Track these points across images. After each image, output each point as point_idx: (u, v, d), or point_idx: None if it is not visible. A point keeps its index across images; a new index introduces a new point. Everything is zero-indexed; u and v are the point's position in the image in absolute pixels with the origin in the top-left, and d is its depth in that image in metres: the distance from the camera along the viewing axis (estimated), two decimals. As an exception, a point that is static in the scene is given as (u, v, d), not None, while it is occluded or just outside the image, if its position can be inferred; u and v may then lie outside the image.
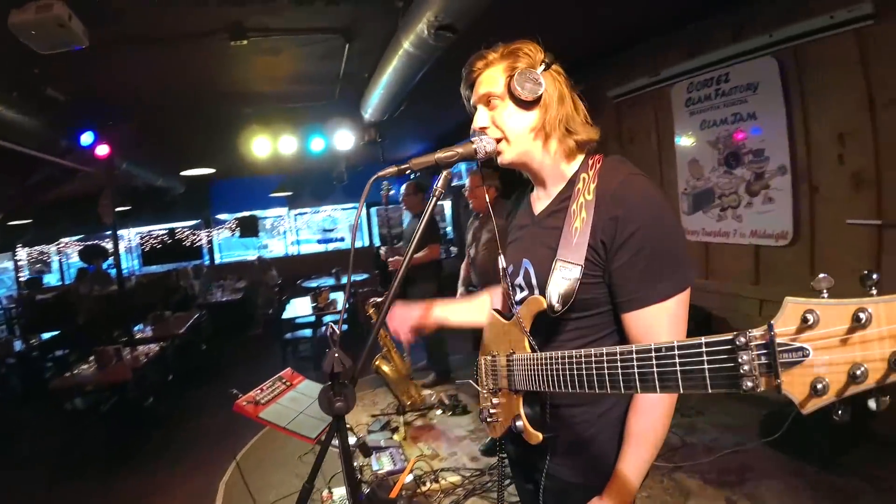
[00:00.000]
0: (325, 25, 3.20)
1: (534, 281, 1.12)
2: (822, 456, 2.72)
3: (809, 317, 0.56)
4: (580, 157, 1.11)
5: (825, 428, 2.66)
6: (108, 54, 3.13)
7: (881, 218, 2.85)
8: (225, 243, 10.74)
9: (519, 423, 1.07)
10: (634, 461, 1.02)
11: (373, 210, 11.54)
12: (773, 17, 3.25)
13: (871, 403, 0.54)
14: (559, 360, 0.94)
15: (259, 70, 3.98)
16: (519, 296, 1.18)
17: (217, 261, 10.49)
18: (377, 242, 11.49)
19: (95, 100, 4.11)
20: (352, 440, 1.89)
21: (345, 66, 4.00)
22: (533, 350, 1.06)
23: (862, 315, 0.52)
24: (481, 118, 1.11)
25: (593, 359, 0.86)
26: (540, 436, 1.03)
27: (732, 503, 2.54)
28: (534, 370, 1.02)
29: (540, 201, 1.18)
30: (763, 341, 0.61)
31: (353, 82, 4.37)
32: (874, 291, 0.53)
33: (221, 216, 10.41)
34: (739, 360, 0.63)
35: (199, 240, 10.24)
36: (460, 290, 4.02)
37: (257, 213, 10.46)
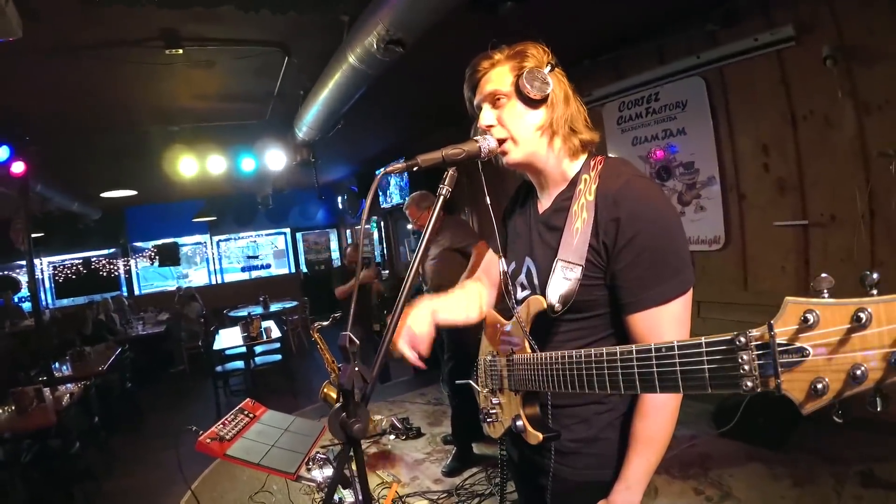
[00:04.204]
0: (265, 38, 3.08)
1: (535, 280, 1.12)
2: (771, 439, 2.90)
3: (809, 317, 0.57)
4: (582, 158, 1.12)
5: (770, 413, 2.86)
6: (30, 59, 2.85)
7: (806, 219, 3.11)
8: (143, 273, 10.13)
9: (519, 423, 1.07)
10: (640, 465, 1.02)
11: (299, 235, 11.35)
12: (700, 40, 3.48)
13: (878, 404, 0.55)
14: (559, 361, 0.94)
15: (190, 84, 3.77)
16: (520, 294, 1.17)
17: (136, 292, 9.87)
18: (304, 269, 11.28)
19: (11, 112, 3.73)
20: (328, 471, 1.75)
21: (281, 82, 3.88)
22: (533, 350, 1.05)
23: (862, 315, 0.52)
24: (487, 117, 1.09)
25: (594, 359, 0.86)
26: (540, 436, 1.03)
27: (700, 493, 2.65)
28: (534, 370, 1.02)
29: (542, 201, 1.17)
30: (763, 341, 0.61)
31: (287, 100, 4.24)
32: (874, 292, 0.53)
33: (139, 244, 9.84)
34: (739, 361, 0.63)
35: (117, 269, 9.57)
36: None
37: (177, 240, 10.00)
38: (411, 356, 1.13)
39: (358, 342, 0.87)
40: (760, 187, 3.34)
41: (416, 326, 1.15)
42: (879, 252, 2.76)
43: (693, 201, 3.75)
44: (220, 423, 1.74)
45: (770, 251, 3.32)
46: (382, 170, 0.97)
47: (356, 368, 0.85)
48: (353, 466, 0.94)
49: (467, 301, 1.29)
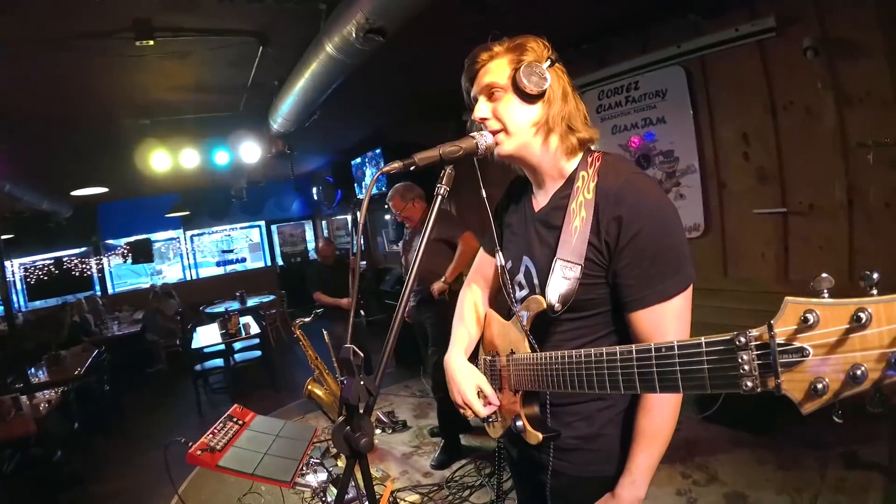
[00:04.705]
0: (240, 27, 2.99)
1: (535, 280, 1.11)
2: (756, 424, 2.96)
3: (809, 317, 0.57)
4: (580, 155, 1.10)
5: (754, 398, 2.88)
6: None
7: (785, 207, 3.15)
8: (116, 271, 9.89)
9: (519, 423, 1.07)
10: (645, 459, 1.03)
11: (274, 228, 11.22)
12: (681, 30, 3.49)
13: (879, 404, 0.55)
14: (559, 361, 0.94)
15: (162, 76, 3.64)
16: (519, 294, 1.16)
17: (110, 291, 9.62)
18: (280, 262, 11.17)
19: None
20: (322, 476, 1.73)
21: (255, 73, 3.78)
22: (533, 350, 1.05)
23: (862, 315, 0.52)
24: (482, 109, 1.07)
25: (593, 359, 0.86)
26: (540, 436, 1.03)
27: (687, 477, 2.71)
28: (534, 370, 1.02)
29: (538, 198, 1.16)
30: (762, 341, 0.62)
31: (262, 91, 4.14)
32: (874, 291, 0.53)
33: (111, 241, 9.59)
34: (739, 361, 0.64)
35: (89, 268, 9.32)
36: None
37: (150, 235, 9.78)
38: (493, 403, 1.15)
39: (362, 355, 0.85)
40: (740, 176, 3.38)
41: (473, 379, 1.16)
42: (857, 241, 2.81)
43: (673, 189, 3.78)
44: (209, 432, 1.69)
45: (750, 239, 3.38)
46: (379, 171, 0.95)
47: (361, 382, 0.83)
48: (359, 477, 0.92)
49: (475, 324, 1.30)
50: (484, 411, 1.13)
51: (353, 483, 2.62)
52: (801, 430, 2.85)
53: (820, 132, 2.91)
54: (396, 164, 0.97)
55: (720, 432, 3.05)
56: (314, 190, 9.67)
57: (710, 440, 2.99)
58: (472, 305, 1.31)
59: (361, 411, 0.86)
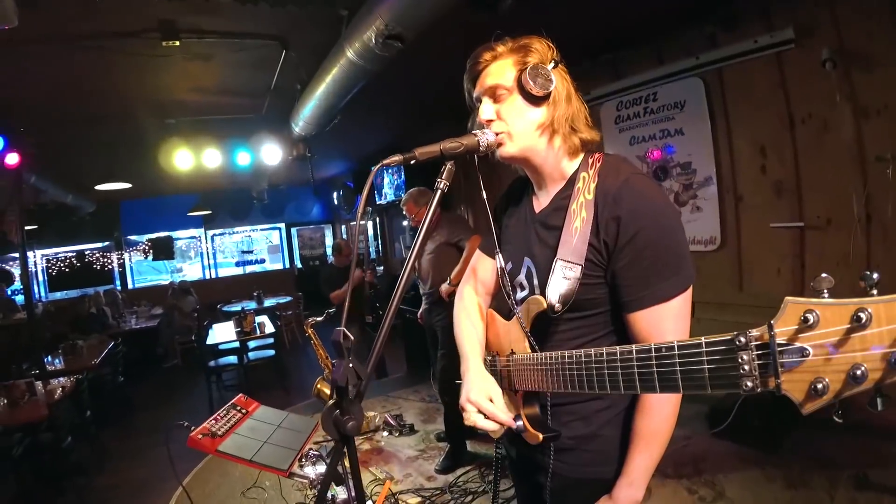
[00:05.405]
0: (264, 31, 3.06)
1: (535, 280, 1.10)
2: (766, 441, 2.90)
3: (809, 317, 0.57)
4: (581, 156, 1.10)
5: (765, 415, 2.86)
6: (26, 48, 2.82)
7: (802, 221, 3.11)
8: (137, 266, 10.13)
9: (519, 423, 1.06)
10: (643, 461, 1.02)
11: (294, 231, 11.36)
12: (699, 42, 3.47)
13: (878, 404, 0.55)
14: (559, 361, 0.94)
15: (187, 77, 3.73)
16: (519, 294, 1.16)
17: (129, 286, 9.85)
18: (299, 265, 11.30)
19: (5, 102, 3.69)
20: (321, 468, 1.74)
21: (278, 76, 3.85)
22: (533, 350, 1.05)
23: (862, 315, 0.52)
24: (487, 110, 1.07)
25: (594, 359, 0.86)
26: (540, 436, 1.02)
27: (694, 493, 2.66)
28: (534, 370, 1.02)
29: (539, 199, 1.16)
30: (763, 341, 0.61)
31: (284, 94, 4.21)
32: (874, 292, 0.53)
33: (133, 237, 9.83)
34: (739, 361, 0.63)
35: (110, 263, 9.53)
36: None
37: (171, 233, 10.00)
38: (494, 419, 1.05)
39: (352, 337, 0.86)
40: (757, 189, 3.34)
41: (486, 388, 1.08)
42: (875, 256, 2.76)
43: (690, 202, 3.75)
44: (211, 418, 1.72)
45: (766, 253, 3.33)
46: (380, 163, 0.96)
47: (350, 365, 0.84)
48: (347, 464, 0.93)
49: (480, 320, 1.28)
50: (478, 421, 1.05)
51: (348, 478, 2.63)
52: (812, 449, 2.79)
53: (838, 145, 2.86)
54: (397, 158, 0.97)
55: (728, 448, 2.99)
56: (334, 195, 9.78)
57: (717, 456, 2.93)
58: (474, 302, 1.31)
59: (352, 396, 0.86)
